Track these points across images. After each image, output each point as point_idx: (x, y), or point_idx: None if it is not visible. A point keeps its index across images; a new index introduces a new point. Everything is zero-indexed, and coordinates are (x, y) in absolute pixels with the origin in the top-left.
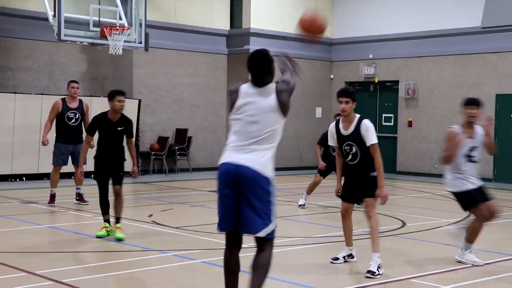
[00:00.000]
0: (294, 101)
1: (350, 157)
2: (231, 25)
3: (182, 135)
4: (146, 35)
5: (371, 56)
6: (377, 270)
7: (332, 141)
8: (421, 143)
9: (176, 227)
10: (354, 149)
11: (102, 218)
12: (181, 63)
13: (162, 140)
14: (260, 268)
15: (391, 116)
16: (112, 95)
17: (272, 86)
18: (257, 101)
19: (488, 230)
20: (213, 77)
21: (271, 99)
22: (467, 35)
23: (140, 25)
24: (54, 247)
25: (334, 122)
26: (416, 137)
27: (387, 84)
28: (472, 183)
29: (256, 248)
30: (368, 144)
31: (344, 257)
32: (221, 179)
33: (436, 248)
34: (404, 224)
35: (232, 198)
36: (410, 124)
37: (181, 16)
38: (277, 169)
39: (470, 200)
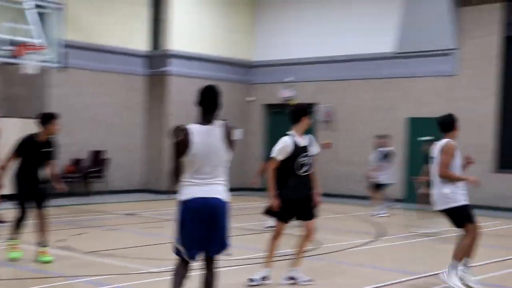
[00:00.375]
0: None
1: (304, 168)
2: (150, 46)
3: (97, 157)
4: (63, 54)
5: (289, 79)
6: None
7: (284, 154)
8: (338, 165)
9: (88, 252)
10: (309, 160)
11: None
12: (98, 83)
13: (77, 161)
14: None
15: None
16: (49, 118)
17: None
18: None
19: (398, 250)
20: (131, 98)
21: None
22: (381, 60)
23: (56, 44)
24: None
25: (288, 136)
26: (335, 160)
27: None
28: (466, 197)
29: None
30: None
31: (263, 278)
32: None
33: (352, 269)
34: (319, 245)
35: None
36: (328, 145)
37: (99, 36)
38: None
39: (470, 214)
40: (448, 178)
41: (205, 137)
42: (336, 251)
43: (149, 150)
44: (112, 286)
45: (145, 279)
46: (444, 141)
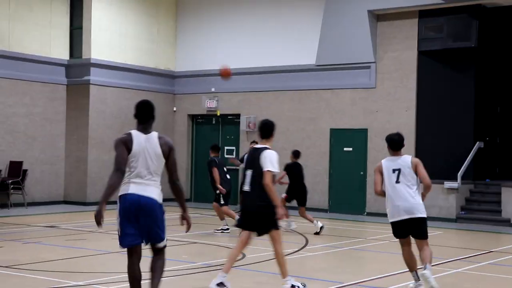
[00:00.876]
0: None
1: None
2: (71, 55)
3: (16, 168)
4: None
5: (213, 89)
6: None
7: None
8: None
9: (6, 266)
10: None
11: None
12: (15, 93)
13: None
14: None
15: (233, 149)
16: None
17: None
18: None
19: (320, 259)
20: (52, 107)
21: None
22: (303, 72)
23: None
24: None
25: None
26: None
27: (229, 117)
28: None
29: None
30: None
31: (222, 284)
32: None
33: (276, 279)
34: (244, 255)
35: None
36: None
37: (15, 44)
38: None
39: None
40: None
41: (142, 143)
42: (261, 261)
43: (70, 161)
44: None
45: None
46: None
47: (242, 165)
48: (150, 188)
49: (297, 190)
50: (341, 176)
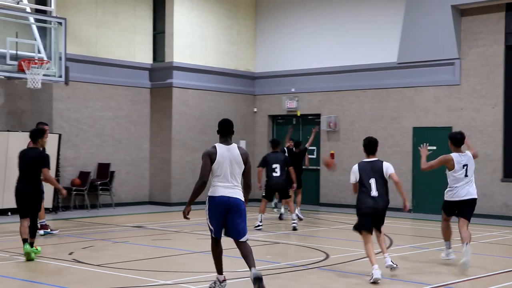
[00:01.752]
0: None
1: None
2: (154, 59)
3: (104, 170)
4: (66, 68)
5: (293, 89)
6: None
7: None
8: (343, 175)
9: (97, 265)
10: None
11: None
12: (102, 97)
13: (83, 175)
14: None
15: (314, 149)
16: (40, 133)
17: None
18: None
19: (405, 260)
20: (136, 110)
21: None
22: (385, 70)
23: (60, 58)
24: None
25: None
26: (338, 169)
27: (309, 117)
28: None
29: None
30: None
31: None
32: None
33: (359, 279)
34: (327, 256)
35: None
36: (332, 156)
37: (102, 50)
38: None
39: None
40: None
41: (225, 152)
42: (345, 262)
43: (155, 162)
44: None
45: None
46: None
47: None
48: (235, 190)
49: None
50: (425, 176)
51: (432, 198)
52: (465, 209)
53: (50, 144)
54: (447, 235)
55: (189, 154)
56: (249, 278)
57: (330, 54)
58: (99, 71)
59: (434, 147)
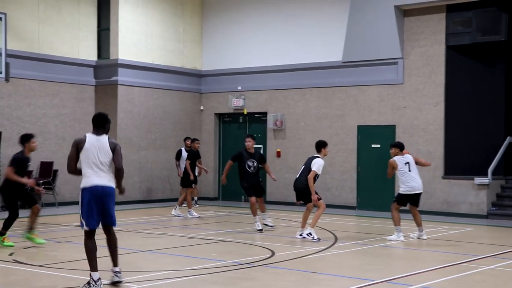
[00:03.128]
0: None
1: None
2: (99, 56)
3: (47, 168)
4: (7, 65)
5: (239, 88)
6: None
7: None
8: (288, 173)
9: (39, 265)
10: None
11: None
12: (45, 94)
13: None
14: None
15: (260, 147)
16: (28, 138)
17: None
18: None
19: (351, 257)
20: (80, 108)
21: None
22: (330, 69)
23: (0, 54)
24: None
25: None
26: (284, 167)
27: (255, 115)
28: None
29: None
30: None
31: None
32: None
33: (305, 276)
34: (273, 253)
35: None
36: (278, 154)
37: (45, 46)
38: (148, 201)
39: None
40: None
41: (94, 141)
42: (290, 259)
43: None
44: None
45: None
46: None
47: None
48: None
49: None
50: (369, 173)
51: (376, 195)
52: (415, 200)
53: None
54: (399, 221)
55: (135, 152)
56: (112, 275)
57: (276, 52)
58: (42, 68)
59: (378, 145)
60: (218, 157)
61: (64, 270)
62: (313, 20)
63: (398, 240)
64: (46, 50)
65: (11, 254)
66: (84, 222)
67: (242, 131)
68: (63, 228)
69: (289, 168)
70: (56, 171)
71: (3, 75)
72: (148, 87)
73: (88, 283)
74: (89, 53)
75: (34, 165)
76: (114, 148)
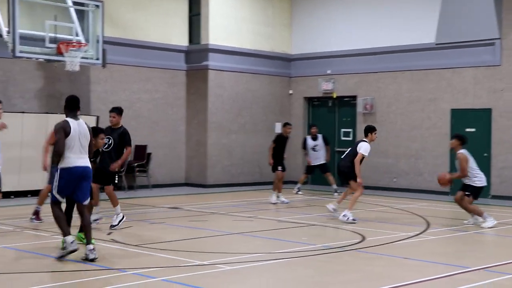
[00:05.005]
0: (254, 116)
1: None
2: (190, 41)
3: (141, 152)
4: (103, 51)
5: (329, 71)
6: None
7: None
8: (379, 158)
9: (135, 245)
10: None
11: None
12: (139, 79)
13: None
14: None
15: (350, 131)
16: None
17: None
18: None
19: (444, 243)
20: (172, 93)
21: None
22: (422, 51)
23: (97, 41)
24: (9, 267)
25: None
26: (374, 151)
27: (345, 99)
28: None
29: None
30: None
31: None
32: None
33: (396, 262)
34: (363, 238)
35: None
36: None
37: (139, 32)
38: (238, 184)
39: None
40: None
41: (76, 127)
42: (381, 244)
43: (191, 144)
44: (161, 278)
45: (193, 272)
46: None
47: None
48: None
49: None
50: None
51: None
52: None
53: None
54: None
55: (225, 136)
56: (88, 250)
57: (367, 35)
58: (135, 54)
59: (473, 129)
60: None
61: (158, 250)
62: (405, 1)
63: (493, 226)
64: (139, 36)
65: (109, 234)
66: (58, 196)
67: (332, 115)
68: (157, 210)
69: (380, 153)
70: (149, 154)
71: (100, 61)
72: (238, 71)
73: (63, 247)
74: (181, 39)
75: None
76: (91, 133)
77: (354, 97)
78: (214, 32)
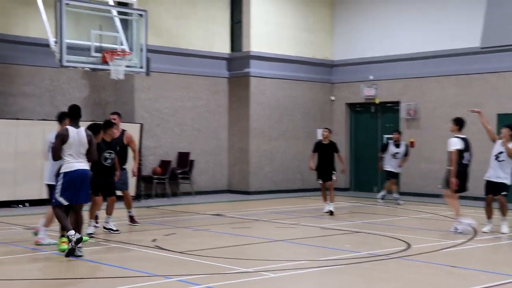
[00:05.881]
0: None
1: None
2: (232, 49)
3: (184, 159)
4: (147, 59)
5: (371, 77)
6: None
7: None
8: (424, 163)
9: (180, 252)
10: None
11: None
12: (182, 87)
13: (164, 164)
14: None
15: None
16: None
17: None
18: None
19: (493, 251)
20: (214, 100)
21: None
22: (467, 55)
23: (141, 49)
24: (54, 273)
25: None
26: (419, 157)
27: (388, 105)
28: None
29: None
30: None
31: None
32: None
33: (443, 270)
34: (409, 246)
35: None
36: (412, 144)
37: (181, 40)
38: (279, 191)
39: None
40: None
41: (75, 135)
42: (427, 252)
43: (233, 151)
44: (205, 285)
45: (238, 279)
46: None
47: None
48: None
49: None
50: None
51: None
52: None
53: (132, 134)
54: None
55: (267, 143)
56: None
57: (409, 40)
58: (178, 62)
59: None
60: (349, 147)
61: (203, 257)
62: (449, 4)
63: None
64: (182, 44)
65: (153, 240)
66: (61, 199)
67: (374, 121)
68: (200, 217)
69: (424, 159)
70: (192, 161)
71: (144, 69)
72: (279, 78)
73: (69, 240)
74: (223, 46)
75: (172, 156)
76: (90, 141)
77: (397, 103)
78: (256, 39)
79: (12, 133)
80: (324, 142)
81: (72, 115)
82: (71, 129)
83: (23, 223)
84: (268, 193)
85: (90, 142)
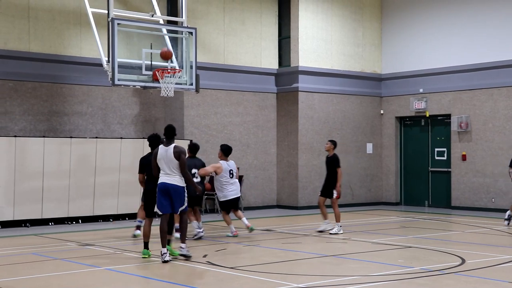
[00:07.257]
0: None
1: None
2: (280, 64)
3: None
4: (197, 76)
5: (421, 90)
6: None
7: None
8: (476, 177)
9: (231, 267)
10: None
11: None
12: (230, 103)
13: (213, 180)
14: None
15: (444, 150)
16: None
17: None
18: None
19: None
20: (263, 115)
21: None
22: None
23: (191, 67)
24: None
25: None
26: (471, 171)
27: (438, 118)
28: None
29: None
30: None
31: None
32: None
33: (501, 286)
34: (463, 261)
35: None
36: (464, 157)
37: (229, 57)
38: (329, 206)
39: None
40: None
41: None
42: (483, 267)
43: (282, 166)
44: None
45: None
46: None
47: None
48: (174, 178)
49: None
50: None
51: None
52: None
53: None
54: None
55: (316, 157)
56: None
57: (460, 52)
58: (227, 78)
59: None
60: (399, 161)
61: (254, 273)
62: (500, 15)
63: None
64: (230, 61)
65: (205, 256)
66: (158, 210)
67: (425, 134)
68: (250, 233)
69: (477, 172)
70: (241, 176)
71: (193, 86)
72: (328, 92)
73: (162, 254)
74: (271, 62)
75: None
76: (178, 157)
77: (448, 116)
78: (304, 55)
79: (66, 151)
80: (328, 156)
81: (165, 134)
82: (161, 148)
83: (77, 239)
84: (318, 208)
85: (178, 158)
